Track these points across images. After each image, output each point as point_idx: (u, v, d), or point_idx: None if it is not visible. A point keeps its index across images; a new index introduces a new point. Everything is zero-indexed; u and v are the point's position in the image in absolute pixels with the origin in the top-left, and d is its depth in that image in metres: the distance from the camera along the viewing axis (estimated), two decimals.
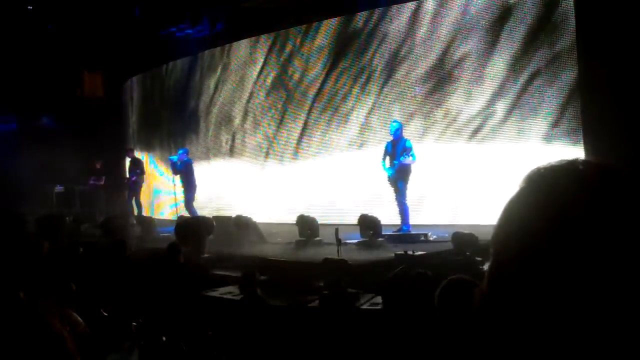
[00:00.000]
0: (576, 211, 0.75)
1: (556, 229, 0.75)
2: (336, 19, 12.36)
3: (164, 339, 4.07)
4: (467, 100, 10.57)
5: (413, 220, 9.95)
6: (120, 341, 3.69)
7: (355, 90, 12.07)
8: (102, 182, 15.08)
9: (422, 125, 11.12)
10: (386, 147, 9.94)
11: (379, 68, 11.74)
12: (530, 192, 0.81)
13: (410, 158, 9.63)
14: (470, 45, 10.50)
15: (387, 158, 9.87)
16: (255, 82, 13.82)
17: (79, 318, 2.82)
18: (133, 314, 4.28)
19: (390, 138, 9.83)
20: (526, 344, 0.76)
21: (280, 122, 13.37)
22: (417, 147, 10.06)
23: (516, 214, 0.81)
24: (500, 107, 10.19)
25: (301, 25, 12.86)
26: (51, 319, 2.55)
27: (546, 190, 0.79)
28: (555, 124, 9.57)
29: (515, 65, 10.00)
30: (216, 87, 14.69)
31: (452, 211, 10.38)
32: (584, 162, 0.80)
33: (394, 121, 10.03)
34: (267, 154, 13.66)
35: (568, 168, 0.80)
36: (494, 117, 10.31)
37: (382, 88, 11.69)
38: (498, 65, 10.20)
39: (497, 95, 10.22)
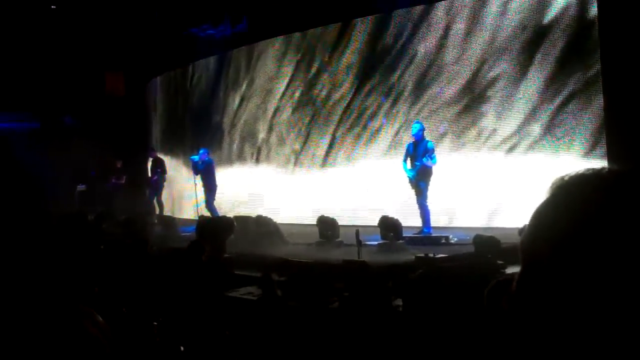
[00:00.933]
0: (602, 217, 0.76)
1: (582, 234, 0.76)
2: (365, 36, 12.18)
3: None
4: (500, 120, 10.42)
5: (434, 222, 9.89)
6: (141, 340, 3.69)
7: (384, 108, 11.93)
8: (123, 181, 15.16)
9: (454, 142, 11.00)
10: (407, 148, 9.88)
11: (408, 87, 11.55)
12: (558, 199, 0.82)
13: (432, 160, 9.57)
14: (502, 67, 10.34)
15: (409, 159, 9.82)
16: (282, 98, 13.70)
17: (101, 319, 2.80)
18: (154, 313, 4.29)
19: (412, 139, 9.79)
20: (551, 345, 0.78)
21: (307, 138, 13.24)
22: (448, 159, 10.04)
23: (544, 220, 0.82)
24: (534, 128, 10.02)
25: (327, 39, 12.75)
26: (86, 322, 2.54)
27: (574, 197, 0.80)
28: (590, 148, 9.45)
29: (549, 87, 9.83)
30: (241, 102, 14.61)
31: (472, 214, 10.29)
32: (610, 170, 0.81)
33: (416, 122, 9.97)
34: (293, 163, 13.57)
35: (595, 175, 0.82)
36: (527, 137, 10.14)
37: (411, 106, 11.50)
38: (531, 87, 10.02)
39: (530, 117, 10.05)
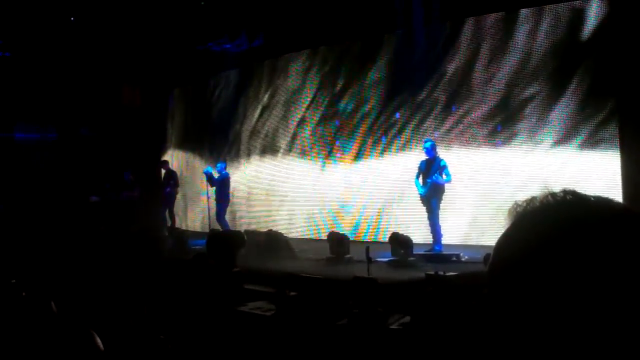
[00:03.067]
0: (551, 241, 0.81)
1: (531, 258, 0.81)
2: (393, 51, 11.97)
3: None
4: (532, 141, 10.13)
5: (446, 240, 9.85)
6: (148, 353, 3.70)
7: (412, 125, 11.62)
8: (136, 194, 15.21)
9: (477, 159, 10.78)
10: (420, 166, 9.88)
11: (438, 105, 11.24)
12: (516, 226, 0.87)
13: (444, 177, 9.56)
14: (535, 88, 10.06)
15: (421, 176, 9.82)
16: (306, 110, 13.48)
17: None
18: (160, 325, 4.30)
19: (425, 157, 9.79)
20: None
21: (330, 152, 12.99)
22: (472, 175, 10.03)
23: (502, 246, 0.88)
24: (566, 150, 9.76)
25: (354, 52, 12.60)
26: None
27: (531, 223, 0.85)
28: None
29: (584, 110, 9.58)
30: (262, 113, 14.48)
31: (484, 232, 10.23)
32: (572, 193, 0.86)
33: (427, 140, 9.96)
34: (316, 173, 13.31)
35: (553, 203, 0.86)
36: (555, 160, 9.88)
37: (442, 123, 11.18)
38: (565, 109, 9.77)
39: (563, 139, 9.79)
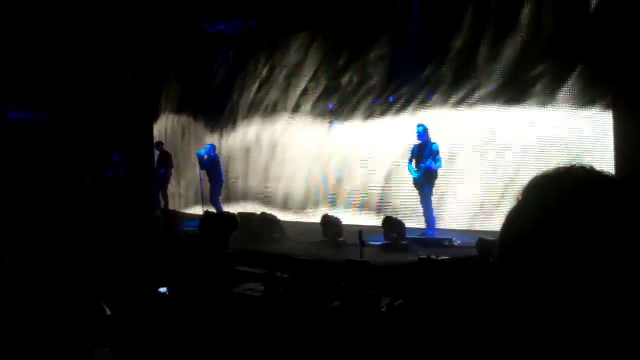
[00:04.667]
0: (569, 215, 0.81)
1: (549, 230, 0.81)
2: (396, 29, 11.67)
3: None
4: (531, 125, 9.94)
5: (440, 224, 9.89)
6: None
7: (413, 106, 11.41)
8: (121, 175, 15.15)
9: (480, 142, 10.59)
10: (413, 151, 9.90)
11: (444, 83, 10.97)
12: (528, 199, 0.87)
13: (437, 162, 9.58)
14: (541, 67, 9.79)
15: (414, 161, 9.84)
16: (307, 86, 13.26)
17: None
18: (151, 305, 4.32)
19: (418, 141, 9.79)
20: (529, 329, 0.83)
21: (328, 131, 12.86)
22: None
23: (517, 218, 0.87)
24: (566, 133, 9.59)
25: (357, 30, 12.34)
26: None
27: (543, 195, 0.85)
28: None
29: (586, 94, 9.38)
30: (259, 89, 14.38)
31: (479, 218, 10.26)
32: (581, 168, 0.86)
33: (420, 125, 9.93)
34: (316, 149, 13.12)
35: (565, 174, 0.86)
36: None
37: (445, 101, 10.94)
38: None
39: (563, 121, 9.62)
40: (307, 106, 13.18)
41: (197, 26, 14.74)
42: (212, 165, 13.06)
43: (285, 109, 13.69)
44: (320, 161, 12.85)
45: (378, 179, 11.83)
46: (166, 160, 15.00)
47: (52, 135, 15.69)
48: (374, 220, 11.05)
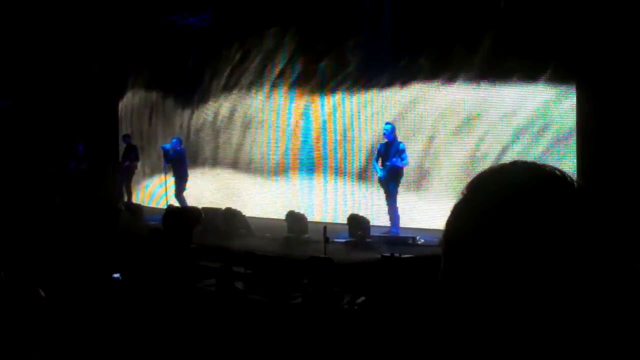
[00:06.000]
0: (509, 210, 0.82)
1: (489, 226, 0.82)
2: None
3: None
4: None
5: (404, 223, 9.93)
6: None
7: (383, 98, 11.46)
8: (85, 167, 14.93)
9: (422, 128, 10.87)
10: (379, 149, 9.95)
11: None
12: (471, 194, 0.88)
13: (403, 160, 9.63)
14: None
15: (380, 159, 9.88)
16: (277, 79, 13.24)
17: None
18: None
19: (384, 140, 9.83)
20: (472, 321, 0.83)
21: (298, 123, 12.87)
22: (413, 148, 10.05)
23: (460, 214, 0.88)
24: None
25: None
26: None
27: (485, 190, 0.86)
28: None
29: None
30: (225, 86, 14.33)
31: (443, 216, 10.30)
32: (523, 164, 0.88)
33: (387, 123, 10.00)
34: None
35: (507, 170, 0.87)
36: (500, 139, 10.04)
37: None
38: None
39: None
40: (283, 87, 13.15)
41: (167, 18, 14.60)
42: (177, 160, 12.91)
43: (259, 89, 13.61)
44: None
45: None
46: (132, 153, 14.81)
47: (15, 123, 15.41)
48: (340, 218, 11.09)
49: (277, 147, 13.13)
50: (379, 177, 9.90)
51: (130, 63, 16.72)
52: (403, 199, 10.07)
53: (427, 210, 10.46)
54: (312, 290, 5.82)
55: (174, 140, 13.15)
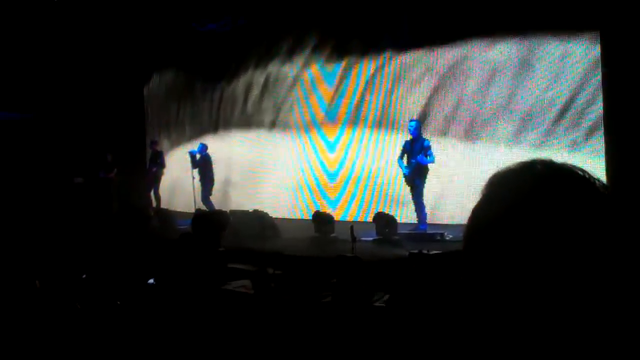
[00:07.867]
0: (528, 207, 0.84)
1: (510, 223, 0.84)
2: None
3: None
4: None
5: (431, 219, 9.91)
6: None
7: (406, 104, 11.50)
8: (113, 175, 15.09)
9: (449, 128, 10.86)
10: (404, 146, 9.93)
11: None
12: (490, 193, 0.90)
13: (428, 157, 9.61)
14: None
15: (405, 156, 9.87)
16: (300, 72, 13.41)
17: None
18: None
19: (410, 137, 9.83)
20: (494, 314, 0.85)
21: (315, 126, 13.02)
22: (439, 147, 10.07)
23: (480, 213, 0.90)
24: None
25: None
26: None
27: (504, 189, 0.88)
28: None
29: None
30: (246, 98, 14.48)
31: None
32: (541, 162, 0.89)
33: (412, 120, 10.01)
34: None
35: (525, 168, 0.89)
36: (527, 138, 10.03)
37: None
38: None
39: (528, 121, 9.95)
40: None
41: (189, 25, 14.74)
42: (203, 165, 13.06)
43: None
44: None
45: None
46: (158, 158, 14.97)
47: (40, 135, 15.60)
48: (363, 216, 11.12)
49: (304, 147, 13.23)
50: (404, 175, 9.89)
51: (154, 67, 16.90)
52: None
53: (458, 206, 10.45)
54: (341, 289, 5.85)
55: (201, 145, 13.30)
